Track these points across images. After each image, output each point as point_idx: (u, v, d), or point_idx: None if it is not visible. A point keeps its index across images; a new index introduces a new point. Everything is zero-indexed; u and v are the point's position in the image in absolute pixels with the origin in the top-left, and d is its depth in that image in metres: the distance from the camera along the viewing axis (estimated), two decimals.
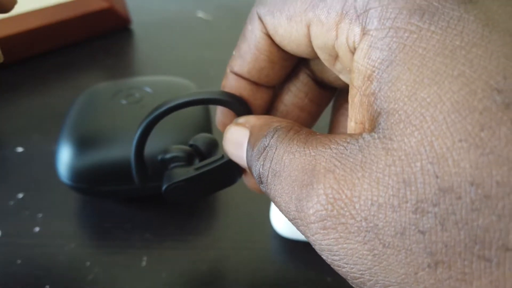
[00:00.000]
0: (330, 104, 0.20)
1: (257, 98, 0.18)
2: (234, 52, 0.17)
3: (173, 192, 0.20)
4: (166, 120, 0.18)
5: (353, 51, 0.13)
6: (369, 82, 0.12)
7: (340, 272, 0.12)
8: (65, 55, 0.44)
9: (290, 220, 0.13)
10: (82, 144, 0.26)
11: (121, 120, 0.27)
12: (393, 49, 0.12)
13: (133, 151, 0.20)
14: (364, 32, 0.12)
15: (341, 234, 0.12)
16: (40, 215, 0.28)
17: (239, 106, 0.18)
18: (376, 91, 0.12)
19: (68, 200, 0.29)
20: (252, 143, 0.15)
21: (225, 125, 0.18)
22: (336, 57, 0.14)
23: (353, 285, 0.12)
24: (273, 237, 0.27)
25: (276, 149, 0.14)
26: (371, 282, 0.11)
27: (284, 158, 0.14)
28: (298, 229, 0.13)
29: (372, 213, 0.11)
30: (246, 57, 0.17)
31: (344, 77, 0.15)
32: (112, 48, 0.45)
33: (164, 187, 0.19)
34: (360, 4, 0.12)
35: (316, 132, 0.14)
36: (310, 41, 0.15)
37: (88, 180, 0.26)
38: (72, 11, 0.43)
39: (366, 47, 0.12)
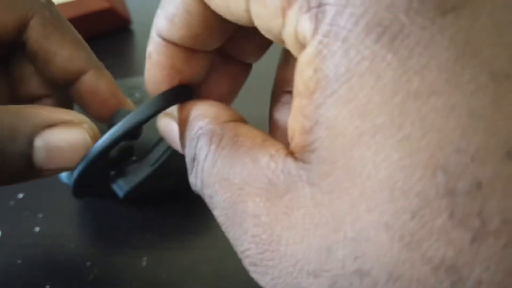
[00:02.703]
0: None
1: (192, 66, 0.15)
2: (158, 11, 0.14)
3: (137, 193, 0.19)
4: None
5: (303, 45, 0.11)
6: (308, 100, 0.10)
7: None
8: None
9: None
10: None
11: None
12: (339, 75, 0.09)
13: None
14: (315, 32, 0.10)
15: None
16: (40, 215, 0.28)
17: (182, 98, 0.16)
18: (315, 119, 0.10)
19: (68, 200, 0.29)
20: (182, 143, 0.14)
21: (155, 87, 0.16)
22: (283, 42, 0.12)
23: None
24: None
25: (203, 171, 0.13)
26: None
27: (216, 185, 0.13)
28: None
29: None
30: (176, 21, 0.13)
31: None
32: (112, 48, 0.45)
33: (124, 192, 0.18)
34: None
35: (240, 136, 0.13)
36: (252, 18, 0.12)
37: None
38: (72, 11, 0.43)
39: (315, 52, 0.10)
